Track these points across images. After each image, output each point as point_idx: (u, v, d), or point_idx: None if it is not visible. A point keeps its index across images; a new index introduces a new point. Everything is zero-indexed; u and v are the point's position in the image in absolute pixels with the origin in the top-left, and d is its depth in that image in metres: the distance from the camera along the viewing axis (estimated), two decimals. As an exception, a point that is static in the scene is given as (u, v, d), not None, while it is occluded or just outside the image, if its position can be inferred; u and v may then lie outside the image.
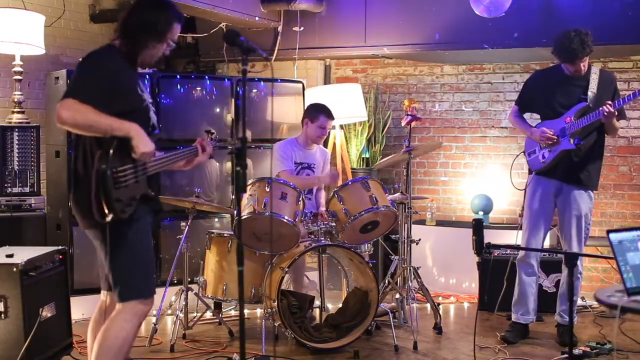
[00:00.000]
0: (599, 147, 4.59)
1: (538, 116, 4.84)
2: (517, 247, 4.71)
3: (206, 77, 6.03)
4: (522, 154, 4.81)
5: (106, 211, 2.87)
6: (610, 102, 4.29)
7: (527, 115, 4.87)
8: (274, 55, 6.53)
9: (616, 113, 4.33)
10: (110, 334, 3.03)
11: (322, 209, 5.07)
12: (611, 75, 4.62)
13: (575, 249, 4.50)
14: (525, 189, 4.71)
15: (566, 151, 4.47)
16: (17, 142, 4.86)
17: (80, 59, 3.07)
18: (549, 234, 4.87)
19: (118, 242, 3.00)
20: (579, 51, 4.32)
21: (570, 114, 4.46)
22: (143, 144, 2.96)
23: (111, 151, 2.90)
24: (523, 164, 4.97)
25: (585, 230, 4.56)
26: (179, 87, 5.72)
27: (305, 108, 5.31)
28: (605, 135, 4.60)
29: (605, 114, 4.27)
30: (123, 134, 2.94)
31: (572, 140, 4.43)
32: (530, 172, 4.74)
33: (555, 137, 4.47)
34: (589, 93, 4.44)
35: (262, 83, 6.10)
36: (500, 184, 6.31)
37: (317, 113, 5.03)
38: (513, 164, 5.00)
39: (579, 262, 4.53)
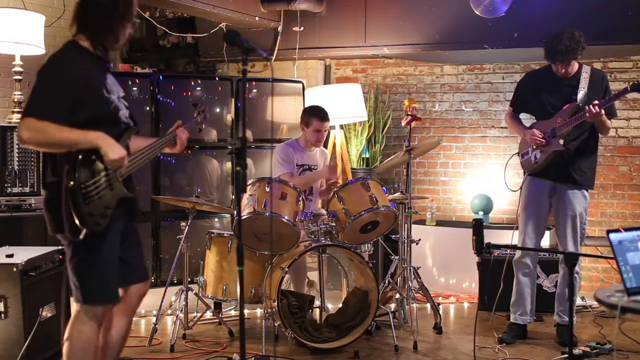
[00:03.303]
0: (593, 145, 4.57)
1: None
2: (517, 247, 4.70)
3: (206, 77, 6.03)
4: (517, 155, 4.81)
5: (79, 227, 2.78)
6: (597, 102, 4.26)
7: (523, 115, 4.85)
8: (274, 55, 6.53)
9: (603, 112, 4.29)
10: (72, 339, 2.98)
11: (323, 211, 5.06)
12: (601, 73, 4.60)
13: (571, 248, 4.49)
14: (520, 190, 4.70)
15: (556, 152, 4.46)
16: (17, 142, 4.86)
17: (39, 68, 2.88)
18: (547, 234, 4.85)
19: (82, 246, 2.90)
20: (571, 51, 4.32)
21: (561, 114, 4.46)
22: (112, 151, 2.87)
23: (78, 165, 2.79)
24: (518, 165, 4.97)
25: (581, 230, 4.55)
26: (179, 87, 5.72)
27: (301, 113, 5.27)
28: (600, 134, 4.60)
29: (589, 114, 4.25)
30: (89, 146, 2.83)
31: (561, 141, 4.43)
32: (524, 172, 4.74)
33: (544, 140, 4.47)
34: (580, 92, 4.43)
35: (262, 83, 6.10)
36: (500, 184, 6.28)
37: (310, 117, 5.00)
38: (507, 165, 5.00)
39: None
